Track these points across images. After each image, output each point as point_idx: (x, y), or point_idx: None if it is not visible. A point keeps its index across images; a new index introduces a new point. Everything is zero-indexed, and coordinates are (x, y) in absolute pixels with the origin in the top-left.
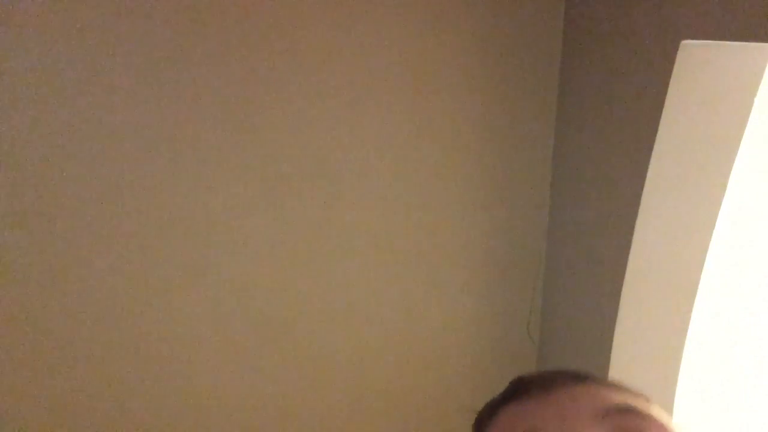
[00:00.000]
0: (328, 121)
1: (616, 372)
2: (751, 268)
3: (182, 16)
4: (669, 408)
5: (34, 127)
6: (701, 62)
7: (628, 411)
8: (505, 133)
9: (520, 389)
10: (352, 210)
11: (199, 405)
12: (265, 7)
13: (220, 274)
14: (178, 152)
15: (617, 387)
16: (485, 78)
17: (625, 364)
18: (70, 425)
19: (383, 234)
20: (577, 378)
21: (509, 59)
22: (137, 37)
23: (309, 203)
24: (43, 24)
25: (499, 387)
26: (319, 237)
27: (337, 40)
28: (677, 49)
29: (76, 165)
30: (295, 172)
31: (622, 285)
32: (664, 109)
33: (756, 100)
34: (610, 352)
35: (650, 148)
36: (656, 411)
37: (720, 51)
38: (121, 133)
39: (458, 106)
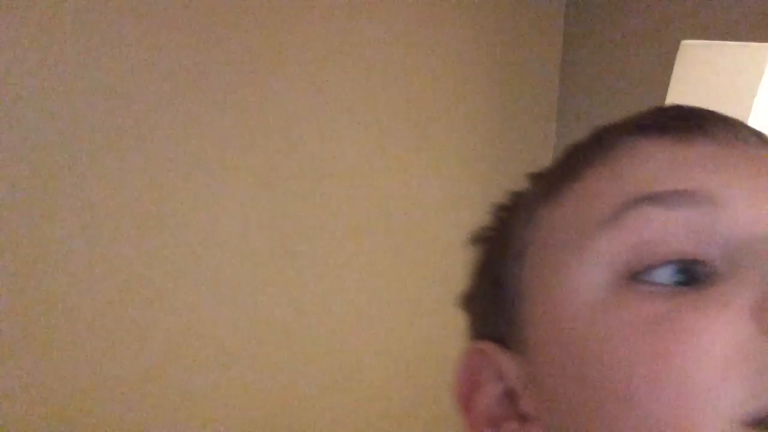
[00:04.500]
0: (327, 122)
1: None
2: None
3: (183, 18)
4: None
5: (38, 126)
6: (701, 62)
7: None
8: (505, 133)
9: (678, 118)
10: (352, 210)
11: (200, 405)
12: (263, 7)
13: (219, 273)
14: (177, 152)
15: None
16: (486, 78)
17: None
18: (70, 424)
19: (383, 234)
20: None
21: (509, 59)
22: (138, 37)
23: (308, 203)
24: (46, 24)
25: None
26: (317, 237)
27: (337, 41)
28: (677, 49)
29: (75, 164)
30: (295, 170)
31: None
32: None
33: (756, 100)
34: None
35: None
36: None
37: (720, 51)
38: (120, 133)
39: (458, 106)
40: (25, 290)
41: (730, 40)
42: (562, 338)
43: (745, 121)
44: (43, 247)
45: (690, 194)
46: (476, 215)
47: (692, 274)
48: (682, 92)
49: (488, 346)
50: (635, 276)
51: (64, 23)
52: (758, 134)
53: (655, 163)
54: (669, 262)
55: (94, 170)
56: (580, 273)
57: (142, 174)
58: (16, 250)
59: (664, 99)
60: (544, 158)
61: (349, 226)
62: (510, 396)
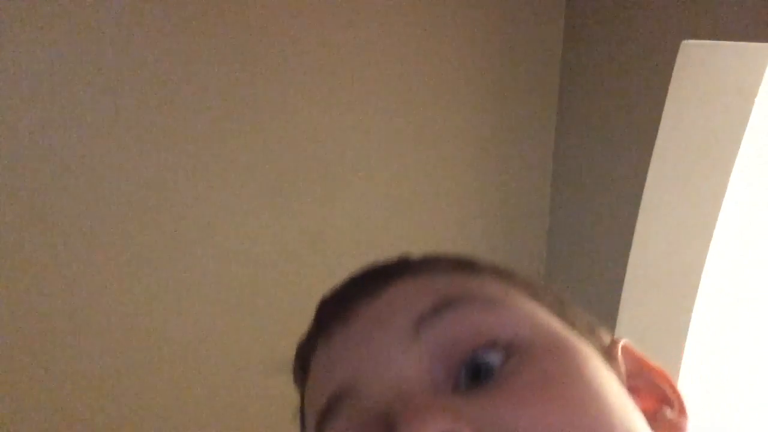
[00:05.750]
0: (326, 121)
1: None
2: (752, 267)
3: (183, 16)
4: None
5: (35, 125)
6: (701, 62)
7: (447, 307)
8: (505, 134)
9: (322, 325)
10: (350, 211)
11: (201, 404)
12: (265, 7)
13: (220, 273)
14: (177, 152)
15: (464, 268)
16: (485, 78)
17: None
18: (69, 423)
19: (382, 236)
20: (392, 274)
21: (509, 59)
22: (137, 36)
23: (308, 204)
24: (44, 24)
25: None
26: (317, 238)
27: (336, 41)
28: (677, 49)
29: (75, 164)
30: (295, 170)
31: (622, 286)
32: (664, 109)
33: (756, 100)
34: None
35: (651, 148)
36: (514, 299)
37: (720, 51)
38: (119, 131)
39: (457, 107)
40: (25, 290)
41: (730, 40)
42: None
43: (740, 133)
44: (45, 247)
45: (338, 395)
46: (476, 215)
47: None
48: (682, 92)
49: None
50: None
51: (63, 21)
52: (385, 276)
53: (317, 375)
54: None
55: (93, 169)
56: None
57: (144, 173)
58: (14, 250)
59: (664, 99)
60: (544, 158)
61: (350, 229)
62: None
